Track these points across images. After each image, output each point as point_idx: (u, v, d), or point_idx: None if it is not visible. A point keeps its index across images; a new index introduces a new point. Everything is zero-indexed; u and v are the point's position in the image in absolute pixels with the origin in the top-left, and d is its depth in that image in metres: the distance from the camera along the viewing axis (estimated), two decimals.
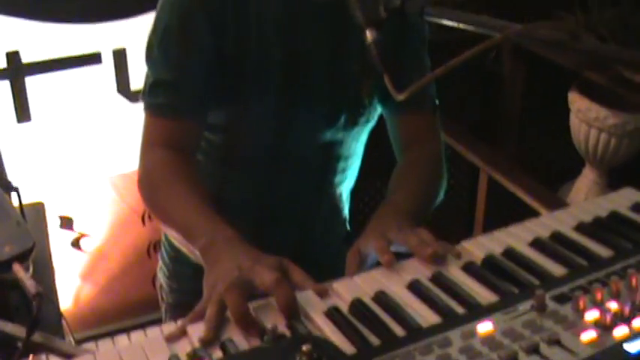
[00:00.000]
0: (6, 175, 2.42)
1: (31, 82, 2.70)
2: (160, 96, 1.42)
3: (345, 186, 1.68)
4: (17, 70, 2.65)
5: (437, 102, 1.62)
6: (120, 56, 2.81)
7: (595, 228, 1.31)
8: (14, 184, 2.20)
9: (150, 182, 1.44)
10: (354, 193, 1.75)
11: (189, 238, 1.31)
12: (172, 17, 1.41)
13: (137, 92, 2.85)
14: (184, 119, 1.44)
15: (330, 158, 1.60)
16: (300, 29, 1.45)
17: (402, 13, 1.38)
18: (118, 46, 2.81)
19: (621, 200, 1.40)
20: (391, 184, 1.54)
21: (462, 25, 2.21)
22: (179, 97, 1.42)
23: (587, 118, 2.84)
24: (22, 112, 2.71)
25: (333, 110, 1.52)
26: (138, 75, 2.84)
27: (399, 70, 1.25)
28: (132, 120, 2.81)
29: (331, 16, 1.45)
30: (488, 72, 3.25)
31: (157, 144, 1.44)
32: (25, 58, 2.66)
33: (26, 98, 2.70)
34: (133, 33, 2.78)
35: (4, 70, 2.64)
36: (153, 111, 1.45)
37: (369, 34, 1.23)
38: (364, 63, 1.40)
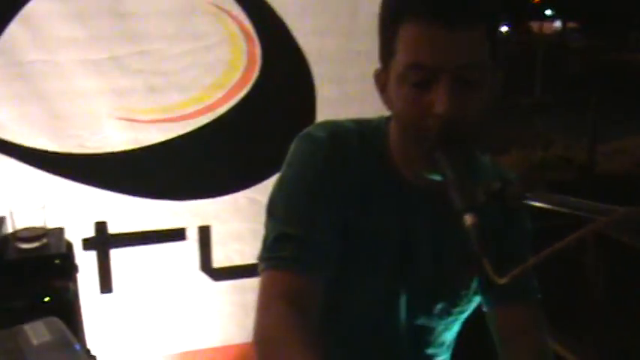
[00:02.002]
0: (86, 344, 2.42)
1: (116, 254, 2.75)
2: (286, 249, 1.38)
3: None
4: (104, 241, 2.71)
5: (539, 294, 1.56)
6: (205, 233, 2.85)
7: None
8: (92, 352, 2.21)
9: (268, 339, 1.36)
10: None
11: None
12: (302, 175, 1.42)
13: (220, 270, 2.88)
14: (309, 274, 1.38)
15: (420, 343, 1.55)
16: (411, 212, 1.45)
17: (501, 198, 1.35)
18: (204, 223, 2.86)
19: None
20: None
21: (560, 209, 2.19)
22: (305, 251, 1.38)
23: None
24: (105, 283, 2.75)
25: (431, 298, 1.49)
26: (221, 253, 2.89)
27: (498, 257, 1.22)
28: (212, 298, 2.82)
29: (433, 202, 1.44)
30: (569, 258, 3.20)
31: (277, 299, 1.37)
32: (112, 229, 2.73)
33: (109, 269, 2.75)
34: (219, 211, 2.84)
35: (91, 239, 2.70)
36: (276, 264, 1.39)
37: (467, 219, 1.21)
38: (463, 251, 1.37)
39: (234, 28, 2.73)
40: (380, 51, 1.33)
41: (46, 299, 2.12)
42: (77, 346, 1.85)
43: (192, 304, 2.88)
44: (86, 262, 2.68)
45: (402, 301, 1.47)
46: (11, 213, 2.16)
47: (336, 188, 1.40)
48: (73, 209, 2.65)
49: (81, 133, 2.62)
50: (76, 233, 2.64)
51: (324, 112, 2.86)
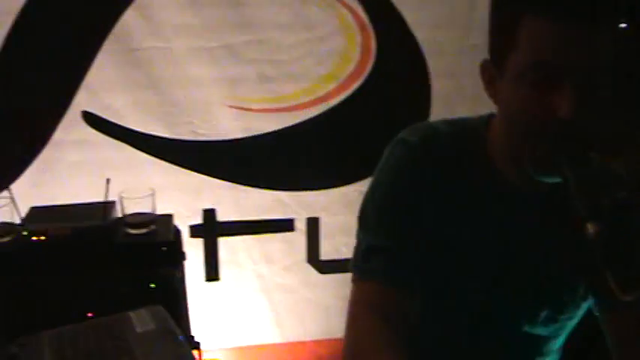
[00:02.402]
0: (190, 331, 2.43)
1: (224, 243, 2.77)
2: (375, 262, 1.36)
3: None
4: (211, 229, 2.72)
5: None
6: (313, 225, 2.83)
7: None
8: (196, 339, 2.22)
9: (357, 351, 1.37)
10: None
11: None
12: (393, 184, 1.37)
13: (327, 262, 2.85)
14: (398, 287, 1.35)
15: (526, 352, 1.48)
16: (512, 214, 1.37)
17: (629, 207, 1.26)
18: (312, 214, 2.83)
19: None
20: None
21: None
22: (394, 265, 1.35)
23: None
24: (211, 271, 2.76)
25: (535, 305, 1.42)
26: (329, 246, 2.86)
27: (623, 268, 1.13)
28: (318, 290, 2.79)
29: (538, 204, 1.37)
30: None
31: (366, 311, 1.37)
32: (220, 218, 2.73)
33: (217, 257, 2.76)
34: (328, 204, 2.81)
35: (199, 227, 2.72)
36: (366, 276, 1.37)
37: (590, 227, 1.13)
38: (572, 257, 1.31)
39: (348, 18, 2.68)
40: (491, 44, 1.25)
41: (152, 286, 2.13)
42: (181, 337, 1.85)
43: (297, 296, 2.87)
44: (193, 249, 2.70)
45: (504, 308, 1.41)
46: (121, 198, 2.18)
47: (428, 197, 1.34)
48: (183, 196, 2.67)
49: (193, 120, 2.65)
50: (184, 220, 2.66)
51: (438, 106, 2.78)
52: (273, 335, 2.87)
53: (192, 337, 2.31)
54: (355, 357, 1.35)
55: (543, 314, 1.42)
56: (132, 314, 1.89)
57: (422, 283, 1.39)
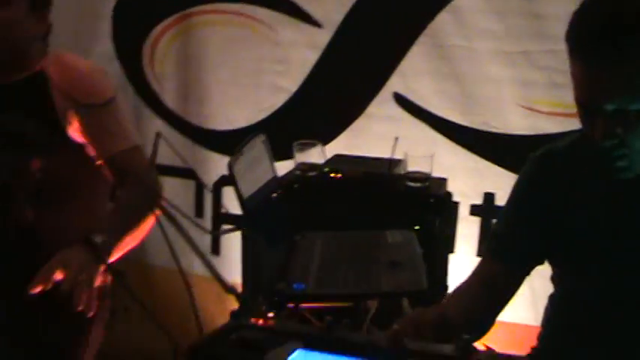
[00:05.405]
0: (446, 282, 2.77)
1: None
2: (491, 243, 1.84)
3: None
4: (489, 210, 3.07)
5: None
6: None
7: None
8: None
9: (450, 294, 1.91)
10: None
11: None
12: (514, 189, 1.82)
13: None
14: (505, 264, 1.77)
15: None
16: (624, 200, 1.62)
17: None
18: None
19: None
20: None
21: None
22: (506, 247, 1.78)
23: None
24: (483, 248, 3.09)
25: None
26: None
27: None
28: None
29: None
30: None
31: (471, 275, 1.82)
32: (498, 202, 3.08)
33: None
34: None
35: (479, 207, 3.09)
36: (485, 253, 1.92)
37: None
38: None
39: None
40: None
41: (416, 227, 2.56)
42: (418, 248, 2.27)
43: None
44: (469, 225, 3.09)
45: (623, 292, 1.63)
46: (406, 155, 2.65)
47: (540, 197, 1.73)
48: (468, 177, 3.07)
49: (485, 113, 3.04)
50: (467, 199, 3.07)
51: None
52: (527, 317, 3.11)
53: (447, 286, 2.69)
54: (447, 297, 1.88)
55: None
56: (387, 232, 2.38)
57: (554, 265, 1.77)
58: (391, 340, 1.36)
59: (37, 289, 1.93)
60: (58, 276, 1.94)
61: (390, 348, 1.33)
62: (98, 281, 2.05)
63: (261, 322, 1.42)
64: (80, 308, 1.95)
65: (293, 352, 1.32)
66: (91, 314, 2.00)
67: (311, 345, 1.35)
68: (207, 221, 3.53)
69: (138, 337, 3.34)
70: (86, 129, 2.27)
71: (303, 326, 1.75)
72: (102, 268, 2.06)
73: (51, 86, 2.25)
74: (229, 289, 1.66)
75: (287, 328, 1.41)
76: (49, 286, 1.94)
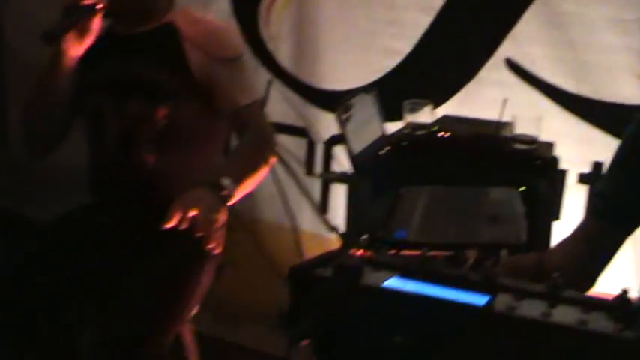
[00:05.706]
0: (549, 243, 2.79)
1: None
2: (593, 201, 1.98)
3: None
4: (597, 178, 3.04)
5: None
6: None
7: None
8: None
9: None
10: None
11: None
12: (618, 150, 1.86)
13: None
14: (606, 222, 1.81)
15: None
16: None
17: None
18: None
19: None
20: None
21: None
22: (608, 206, 1.82)
23: None
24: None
25: None
26: None
27: None
28: None
29: None
30: None
31: (577, 232, 1.88)
32: None
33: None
34: None
35: (587, 175, 3.08)
36: (588, 212, 1.95)
37: None
38: None
39: None
40: None
41: (521, 189, 2.59)
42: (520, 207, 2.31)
43: None
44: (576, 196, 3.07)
45: None
46: (514, 118, 2.68)
47: None
48: (577, 145, 3.06)
49: (597, 82, 3.02)
50: (576, 166, 3.07)
51: None
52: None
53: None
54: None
55: None
56: (490, 189, 2.43)
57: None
58: (485, 275, 1.42)
59: (172, 224, 2.08)
60: (191, 214, 2.09)
61: (483, 281, 1.39)
62: (222, 221, 2.19)
63: (360, 252, 1.50)
64: (211, 246, 2.08)
65: (389, 278, 1.41)
66: (217, 251, 2.13)
67: (407, 274, 1.43)
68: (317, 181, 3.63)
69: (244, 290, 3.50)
70: (217, 81, 2.41)
71: (399, 258, 1.84)
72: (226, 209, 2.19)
73: (182, 38, 2.38)
74: (332, 227, 1.76)
75: (384, 258, 1.49)
76: (185, 223, 2.08)
